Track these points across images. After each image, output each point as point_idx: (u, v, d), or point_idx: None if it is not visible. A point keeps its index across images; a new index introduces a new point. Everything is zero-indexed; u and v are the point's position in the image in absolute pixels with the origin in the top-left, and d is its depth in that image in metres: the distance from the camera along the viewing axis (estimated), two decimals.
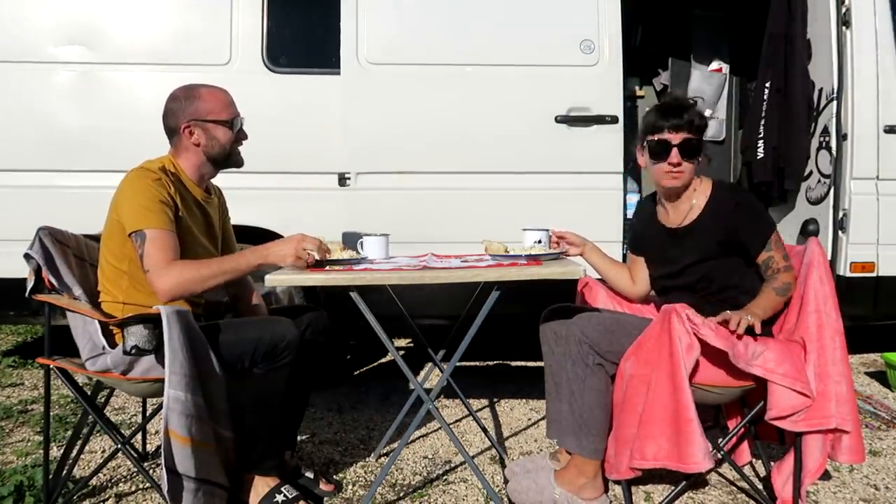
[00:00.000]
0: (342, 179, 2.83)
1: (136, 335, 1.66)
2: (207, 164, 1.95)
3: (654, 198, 2.12)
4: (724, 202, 1.92)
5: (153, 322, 1.66)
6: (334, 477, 2.15)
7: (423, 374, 3.15)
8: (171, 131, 1.93)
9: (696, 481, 2.03)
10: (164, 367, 1.63)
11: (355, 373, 3.41)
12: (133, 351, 1.67)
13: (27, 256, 1.80)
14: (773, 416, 1.75)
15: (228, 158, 1.97)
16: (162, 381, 1.63)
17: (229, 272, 1.77)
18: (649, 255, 2.11)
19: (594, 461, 1.87)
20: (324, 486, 2.02)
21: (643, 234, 2.13)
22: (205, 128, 1.90)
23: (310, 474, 2.03)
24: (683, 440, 1.66)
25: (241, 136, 1.98)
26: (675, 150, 1.88)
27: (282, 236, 2.82)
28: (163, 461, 1.60)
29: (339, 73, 2.76)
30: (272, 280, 1.72)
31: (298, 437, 2.46)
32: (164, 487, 1.61)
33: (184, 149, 1.92)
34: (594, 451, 1.85)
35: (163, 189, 1.79)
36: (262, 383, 1.79)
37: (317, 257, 1.77)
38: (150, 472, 2.14)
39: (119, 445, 1.86)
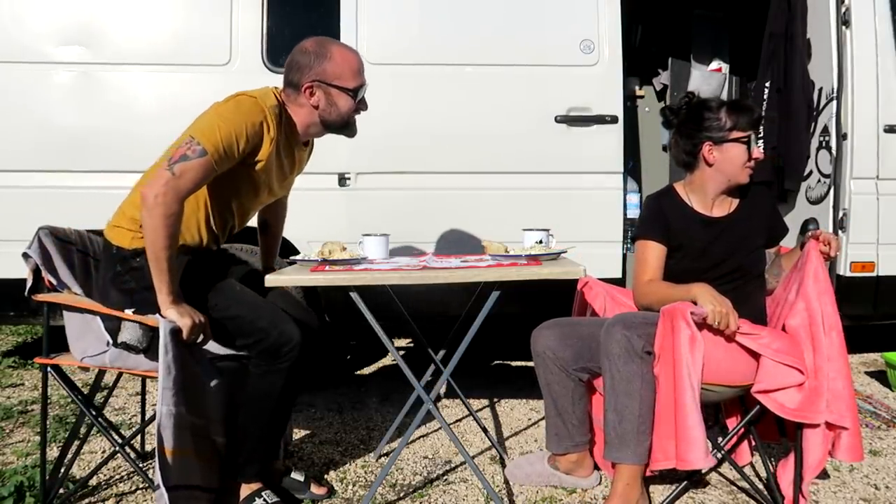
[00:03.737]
0: (342, 179, 2.82)
1: (131, 332, 1.65)
2: (319, 125, 1.83)
3: (669, 193, 2.06)
4: (760, 192, 2.05)
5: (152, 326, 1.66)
6: (334, 477, 2.14)
7: (423, 374, 3.15)
8: (292, 85, 1.79)
9: (696, 481, 2.03)
10: (153, 362, 1.62)
11: (355, 373, 3.41)
12: (121, 346, 1.66)
13: (25, 256, 1.79)
14: (760, 388, 1.75)
15: (344, 127, 1.85)
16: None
17: (159, 272, 1.60)
18: (686, 245, 1.99)
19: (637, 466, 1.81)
20: (315, 489, 1.98)
21: (679, 225, 2.00)
22: (328, 91, 1.77)
23: (300, 476, 1.98)
24: (681, 437, 1.67)
25: (361, 106, 1.85)
26: (756, 147, 1.93)
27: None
28: (159, 475, 1.58)
29: None
30: (272, 280, 1.72)
31: (298, 437, 2.46)
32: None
33: (299, 105, 1.80)
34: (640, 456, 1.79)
35: (257, 126, 1.67)
36: (257, 384, 1.77)
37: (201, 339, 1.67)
38: (149, 472, 2.13)
39: (117, 448, 1.84)
